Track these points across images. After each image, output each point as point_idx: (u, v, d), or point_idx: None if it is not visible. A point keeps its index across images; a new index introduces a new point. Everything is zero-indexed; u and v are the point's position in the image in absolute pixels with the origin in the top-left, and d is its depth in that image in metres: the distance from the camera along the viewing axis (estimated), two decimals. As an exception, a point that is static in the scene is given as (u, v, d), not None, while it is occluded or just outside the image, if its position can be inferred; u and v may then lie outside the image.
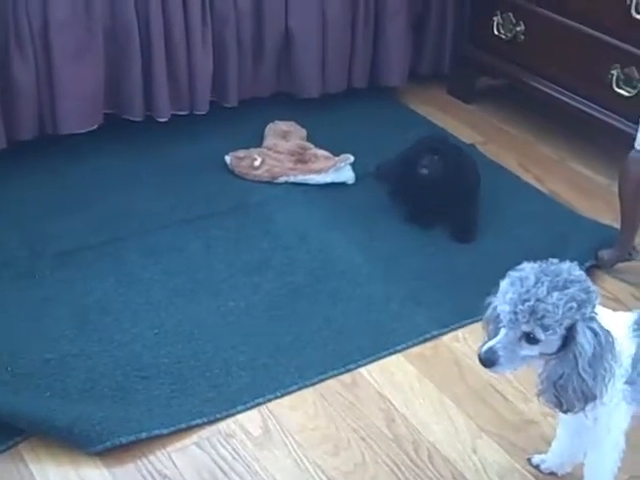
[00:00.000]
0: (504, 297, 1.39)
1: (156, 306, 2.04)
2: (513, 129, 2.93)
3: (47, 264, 2.15)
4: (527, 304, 1.35)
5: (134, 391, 1.81)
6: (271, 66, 2.79)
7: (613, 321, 1.46)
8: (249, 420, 1.77)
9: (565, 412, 1.43)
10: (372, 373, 1.90)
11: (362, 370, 1.91)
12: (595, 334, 1.36)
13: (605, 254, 2.24)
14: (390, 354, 1.95)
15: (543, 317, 1.34)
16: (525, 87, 2.83)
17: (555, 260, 1.41)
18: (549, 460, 1.68)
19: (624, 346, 1.43)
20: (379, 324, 2.03)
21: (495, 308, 1.43)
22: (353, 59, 2.89)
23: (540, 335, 1.36)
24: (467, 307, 2.08)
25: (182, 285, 2.12)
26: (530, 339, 1.37)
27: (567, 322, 1.36)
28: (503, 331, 1.39)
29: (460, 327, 2.04)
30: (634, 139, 2.12)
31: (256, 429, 1.76)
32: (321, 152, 2.61)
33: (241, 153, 2.59)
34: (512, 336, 1.38)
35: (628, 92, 2.49)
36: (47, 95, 2.43)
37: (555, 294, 1.34)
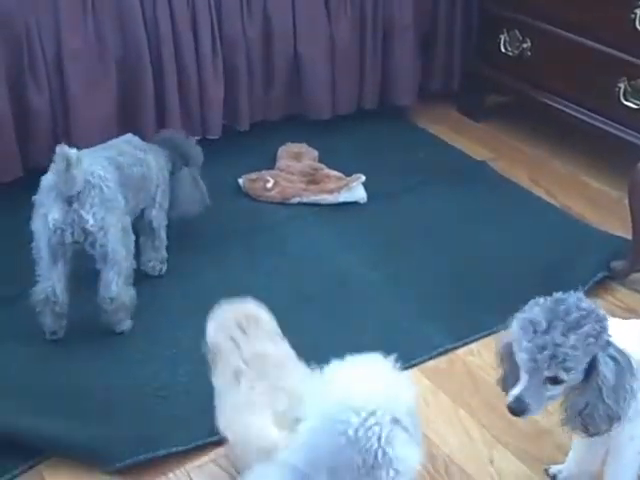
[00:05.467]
0: (520, 346, 1.38)
1: (172, 326, 2.07)
2: (523, 145, 2.95)
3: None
4: (546, 352, 1.34)
5: (152, 410, 1.83)
6: (281, 89, 2.83)
7: (626, 330, 1.46)
8: (266, 436, 1.79)
9: (592, 436, 1.43)
10: (387, 387, 1.91)
11: (377, 385, 1.92)
12: (615, 361, 1.36)
13: (618, 265, 2.25)
14: (405, 368, 1.93)
15: (564, 360, 1.34)
16: (533, 103, 2.85)
17: (560, 294, 1.40)
18: (566, 470, 1.68)
19: None
20: (393, 339, 2.04)
21: (507, 346, 1.43)
22: (362, 80, 2.93)
23: (564, 377, 1.36)
24: (481, 321, 2.10)
25: (197, 306, 2.13)
26: (554, 381, 1.37)
27: (589, 356, 1.36)
28: (525, 376, 1.39)
29: (474, 341, 2.05)
30: (642, 150, 2.14)
31: (273, 445, 1.77)
32: (333, 172, 2.64)
33: (254, 175, 2.62)
34: (536, 381, 1.38)
35: (636, 104, 2.50)
36: (62, 123, 2.48)
37: (572, 337, 1.34)
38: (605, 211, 2.56)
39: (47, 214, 1.90)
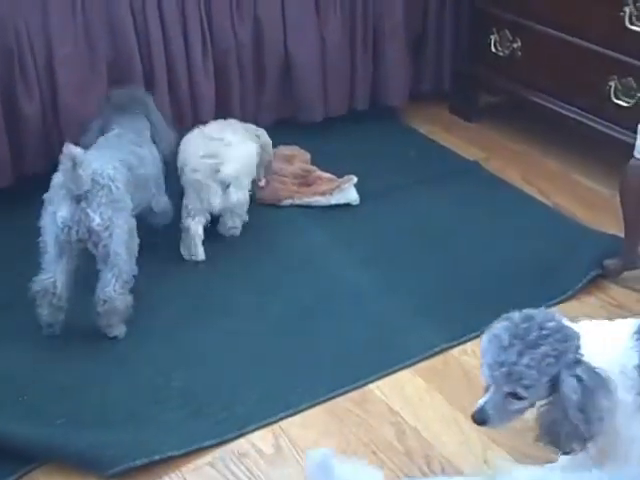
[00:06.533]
0: (483, 359, 1.42)
1: (167, 331, 2.07)
2: (515, 144, 2.95)
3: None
4: (502, 369, 1.37)
5: (147, 415, 1.83)
6: (273, 92, 2.83)
7: (613, 332, 1.45)
8: (261, 439, 1.79)
9: (565, 454, 1.45)
10: (382, 388, 1.92)
11: (372, 386, 1.92)
12: (579, 380, 1.37)
13: (611, 263, 2.26)
14: (399, 369, 1.97)
15: (520, 379, 1.37)
16: (524, 102, 2.86)
17: (531, 311, 1.42)
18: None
19: (628, 357, 1.42)
20: (388, 340, 2.05)
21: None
22: (354, 81, 2.93)
23: (523, 393, 1.39)
24: (475, 321, 2.08)
25: (190, 308, 2.15)
26: (515, 396, 1.40)
27: (548, 376, 1.37)
28: (491, 389, 1.42)
29: (468, 340, 2.05)
30: (634, 148, 2.14)
31: (268, 447, 1.77)
32: (325, 174, 2.64)
33: (246, 178, 2.62)
34: (499, 395, 1.41)
35: (626, 102, 2.51)
36: (54, 128, 2.48)
37: (526, 357, 1.36)
38: (597, 209, 2.57)
39: (56, 212, 1.92)
